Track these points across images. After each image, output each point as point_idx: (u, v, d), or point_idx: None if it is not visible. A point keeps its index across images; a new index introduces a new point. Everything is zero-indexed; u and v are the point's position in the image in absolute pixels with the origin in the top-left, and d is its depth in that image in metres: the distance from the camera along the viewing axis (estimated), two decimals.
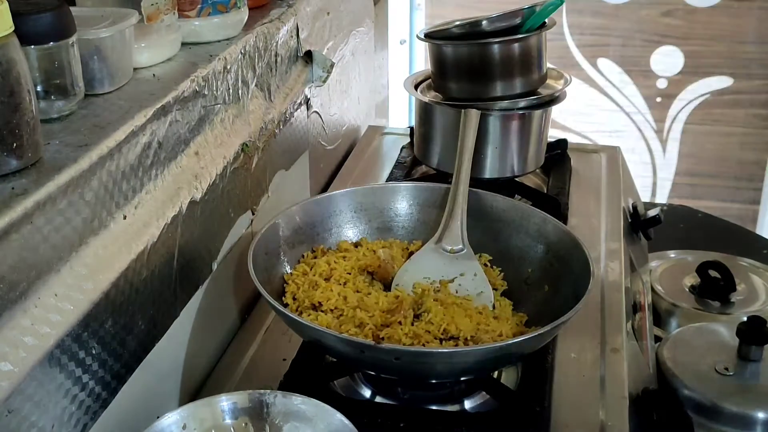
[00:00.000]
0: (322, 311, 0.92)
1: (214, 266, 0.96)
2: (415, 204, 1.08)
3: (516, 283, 1.00)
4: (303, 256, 1.00)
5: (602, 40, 2.45)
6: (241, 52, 1.00)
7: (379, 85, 1.79)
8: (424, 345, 0.86)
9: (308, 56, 1.23)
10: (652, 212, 1.38)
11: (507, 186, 1.30)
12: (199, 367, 0.96)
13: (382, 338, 0.86)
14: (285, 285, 0.96)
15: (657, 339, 1.22)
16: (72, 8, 0.76)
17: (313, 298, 0.92)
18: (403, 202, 1.08)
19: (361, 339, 0.84)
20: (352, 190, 1.08)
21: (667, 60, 2.42)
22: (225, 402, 0.73)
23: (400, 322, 0.88)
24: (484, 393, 0.89)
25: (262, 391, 0.73)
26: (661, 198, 2.55)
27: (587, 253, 0.92)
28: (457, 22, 1.23)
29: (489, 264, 1.02)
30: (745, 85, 2.39)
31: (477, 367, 0.84)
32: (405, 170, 1.38)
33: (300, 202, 1.03)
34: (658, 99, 2.46)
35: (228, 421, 0.73)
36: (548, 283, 0.96)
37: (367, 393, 0.90)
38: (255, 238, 0.93)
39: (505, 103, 1.23)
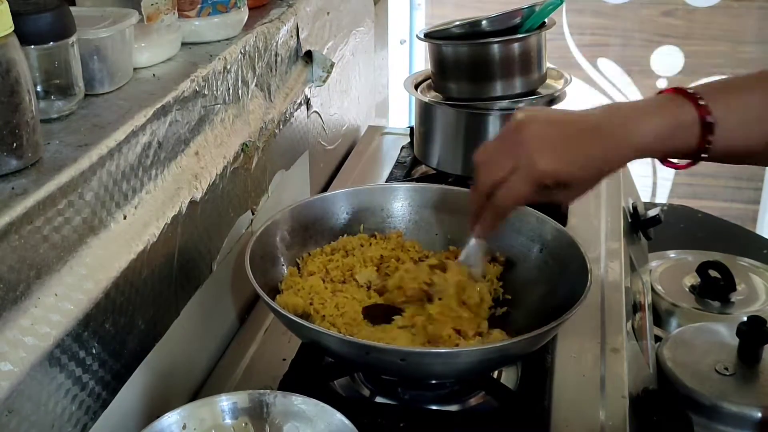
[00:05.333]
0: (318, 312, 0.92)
1: (214, 266, 0.96)
2: (410, 204, 1.07)
3: (513, 283, 1.00)
4: (302, 258, 1.00)
5: (602, 40, 2.45)
6: (241, 52, 1.00)
7: (379, 85, 1.79)
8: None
9: (308, 56, 1.23)
10: (652, 212, 1.38)
11: None
12: (199, 367, 0.96)
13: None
14: (282, 285, 0.96)
15: (657, 339, 1.21)
16: (72, 8, 0.76)
17: (310, 300, 0.92)
18: (398, 202, 1.07)
19: (365, 341, 0.84)
20: (348, 190, 1.08)
21: (667, 60, 2.42)
22: (225, 402, 0.73)
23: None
24: (484, 393, 0.89)
25: (262, 391, 0.73)
26: (661, 198, 2.55)
27: (584, 252, 0.91)
28: (457, 22, 1.23)
29: None
30: None
31: (478, 367, 0.84)
32: (405, 170, 1.38)
33: (296, 203, 1.03)
34: None
35: (228, 421, 0.73)
36: (545, 283, 0.96)
37: (367, 393, 0.90)
38: (251, 239, 0.93)
39: (505, 103, 1.23)
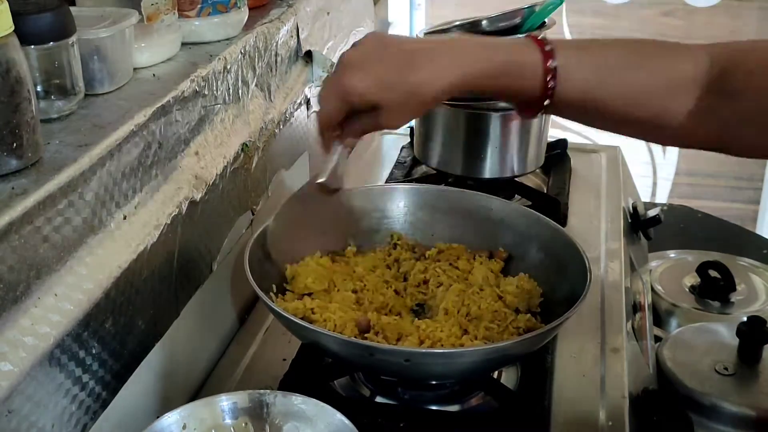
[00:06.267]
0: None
1: (214, 266, 0.96)
2: (405, 205, 1.07)
3: None
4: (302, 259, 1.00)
5: None
6: (241, 52, 1.00)
7: None
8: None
9: (308, 56, 1.23)
10: (652, 212, 1.38)
11: (507, 186, 1.30)
12: (199, 367, 0.96)
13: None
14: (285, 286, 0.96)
15: (657, 339, 1.22)
16: (72, 8, 0.76)
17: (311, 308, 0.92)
18: (393, 203, 1.07)
19: (369, 342, 0.84)
20: (342, 192, 1.08)
21: None
22: (225, 402, 0.73)
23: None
24: (484, 393, 0.89)
25: (262, 391, 0.73)
26: (661, 198, 2.55)
27: (583, 253, 0.91)
28: (457, 22, 1.23)
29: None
30: None
31: (481, 367, 0.84)
32: (405, 170, 1.38)
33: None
34: None
35: (228, 421, 0.73)
36: (545, 284, 0.96)
37: (367, 393, 0.90)
38: (250, 240, 0.92)
39: (505, 103, 1.23)
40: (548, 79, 0.77)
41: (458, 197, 1.06)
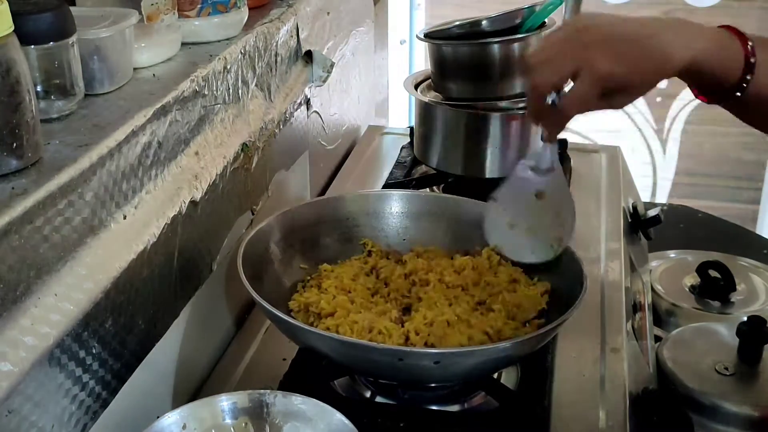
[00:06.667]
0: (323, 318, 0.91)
1: (214, 266, 0.96)
2: (400, 212, 1.07)
3: None
4: (303, 283, 0.99)
5: None
6: (241, 52, 1.00)
7: (379, 85, 1.79)
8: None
9: (308, 56, 1.23)
10: (652, 212, 1.38)
11: None
12: (200, 367, 0.96)
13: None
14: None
15: (657, 339, 1.22)
16: (72, 8, 0.76)
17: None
18: (361, 210, 1.06)
19: (396, 346, 0.83)
20: (339, 196, 1.09)
21: None
22: (225, 402, 0.73)
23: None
24: (484, 393, 0.89)
25: (262, 391, 0.73)
26: (661, 198, 2.55)
27: (577, 257, 0.91)
28: (457, 22, 1.23)
29: None
30: None
31: (488, 367, 0.84)
32: (405, 170, 1.38)
33: (285, 210, 1.02)
34: (658, 99, 2.46)
35: (228, 421, 0.73)
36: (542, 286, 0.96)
37: (367, 393, 0.90)
38: (244, 240, 0.92)
39: (505, 103, 1.23)
40: (746, 73, 0.81)
41: (426, 200, 1.07)
